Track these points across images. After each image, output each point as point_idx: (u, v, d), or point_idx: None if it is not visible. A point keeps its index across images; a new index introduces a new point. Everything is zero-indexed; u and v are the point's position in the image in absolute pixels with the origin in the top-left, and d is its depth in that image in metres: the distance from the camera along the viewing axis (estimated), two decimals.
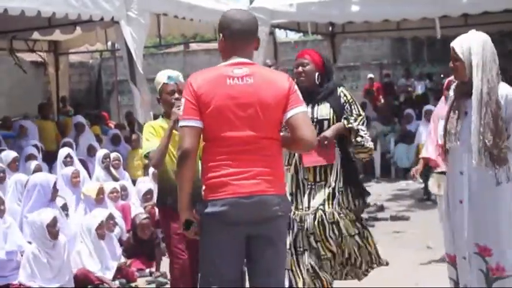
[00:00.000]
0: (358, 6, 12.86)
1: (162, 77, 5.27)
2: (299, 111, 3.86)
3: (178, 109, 4.75)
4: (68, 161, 9.51)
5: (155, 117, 12.07)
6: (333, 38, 16.88)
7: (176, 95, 5.10)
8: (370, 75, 20.69)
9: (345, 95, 5.31)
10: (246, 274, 4.02)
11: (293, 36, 24.03)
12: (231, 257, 3.85)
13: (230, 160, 3.79)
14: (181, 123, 3.84)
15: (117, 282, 7.04)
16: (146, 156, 5.08)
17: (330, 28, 16.49)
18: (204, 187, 3.88)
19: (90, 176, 10.00)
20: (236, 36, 3.91)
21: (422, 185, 11.29)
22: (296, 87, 3.94)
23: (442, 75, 18.65)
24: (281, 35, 19.05)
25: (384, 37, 20.58)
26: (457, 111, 4.67)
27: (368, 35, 18.56)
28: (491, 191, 4.55)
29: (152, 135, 5.10)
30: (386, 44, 22.48)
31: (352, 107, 5.27)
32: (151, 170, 9.38)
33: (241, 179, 3.77)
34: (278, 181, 3.90)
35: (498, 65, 4.54)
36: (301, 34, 20.26)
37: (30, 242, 6.78)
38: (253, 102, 3.78)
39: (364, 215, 9.31)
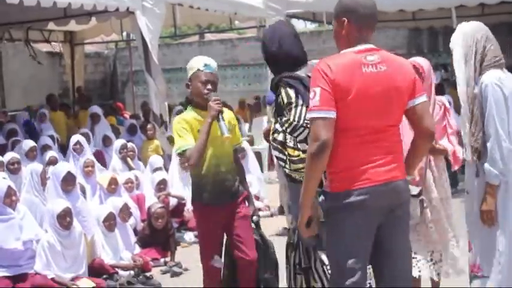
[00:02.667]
0: None
1: (197, 62, 4.96)
2: (424, 99, 3.81)
3: (218, 104, 4.67)
4: (77, 148, 9.56)
5: (170, 108, 12.18)
6: None
7: (209, 86, 4.81)
8: None
9: None
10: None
11: (309, 26, 23.96)
12: (366, 247, 3.73)
13: (365, 149, 3.66)
14: (317, 114, 3.55)
15: (132, 272, 7.06)
16: (181, 153, 4.81)
17: None
18: (332, 178, 3.71)
19: (106, 166, 10.04)
20: (364, 22, 3.74)
21: None
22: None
23: None
24: (299, 25, 18.99)
25: (400, 27, 20.47)
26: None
27: (383, 25, 18.43)
28: (472, 184, 4.47)
29: (185, 130, 4.75)
30: (402, 34, 22.35)
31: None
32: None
33: (376, 166, 3.66)
34: (403, 166, 3.82)
35: (485, 54, 4.37)
36: (317, 24, 20.14)
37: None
38: (389, 91, 3.65)
39: None
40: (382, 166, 3.68)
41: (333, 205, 3.70)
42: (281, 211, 9.59)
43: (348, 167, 3.66)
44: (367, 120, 3.64)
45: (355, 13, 3.73)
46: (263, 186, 10.46)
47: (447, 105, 5.30)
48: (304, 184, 3.67)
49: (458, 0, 12.21)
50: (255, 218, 5.07)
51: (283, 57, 4.42)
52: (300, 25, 18.73)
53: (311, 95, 3.60)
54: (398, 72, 3.72)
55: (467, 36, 4.42)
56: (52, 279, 6.49)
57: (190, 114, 4.89)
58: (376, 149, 3.67)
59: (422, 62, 5.15)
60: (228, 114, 4.94)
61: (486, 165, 4.26)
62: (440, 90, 16.50)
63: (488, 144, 4.24)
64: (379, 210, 3.69)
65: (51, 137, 10.54)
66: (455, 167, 5.33)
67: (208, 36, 25.53)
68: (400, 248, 3.83)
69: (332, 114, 3.56)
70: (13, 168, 8.18)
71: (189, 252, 7.84)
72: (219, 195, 4.84)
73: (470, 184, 4.48)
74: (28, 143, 9.38)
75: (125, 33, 16.73)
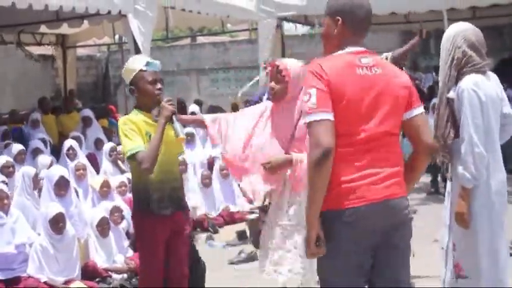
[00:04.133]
0: None
1: (138, 62, 4.58)
2: (422, 111, 3.60)
3: (172, 104, 4.40)
4: (70, 154, 9.55)
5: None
6: None
7: (159, 85, 4.50)
8: None
9: None
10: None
11: (300, 29, 23.96)
12: (359, 271, 3.47)
13: (359, 161, 3.40)
14: (315, 117, 3.30)
15: (125, 275, 7.06)
16: (130, 157, 4.37)
17: None
18: (327, 193, 3.37)
19: (98, 169, 10.04)
20: (359, 25, 3.56)
21: (430, 178, 11.29)
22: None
23: None
24: (290, 28, 19.02)
25: (392, 30, 20.53)
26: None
27: (375, 28, 18.51)
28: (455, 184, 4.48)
29: (134, 132, 4.39)
30: (394, 36, 22.41)
31: None
32: None
33: (373, 182, 3.40)
34: (403, 181, 3.53)
35: (465, 60, 4.36)
36: (309, 27, 20.18)
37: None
38: (386, 95, 3.45)
39: None
40: (378, 182, 3.41)
41: (324, 225, 3.41)
42: None
43: (339, 182, 3.39)
44: (361, 126, 3.40)
45: (351, 14, 3.53)
46: None
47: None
48: (309, 196, 3.36)
49: (449, 2, 12.26)
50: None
51: None
52: (291, 28, 18.66)
53: (305, 97, 3.36)
54: (394, 76, 3.54)
55: (448, 40, 4.46)
56: (45, 282, 6.50)
57: (136, 116, 4.55)
58: (373, 161, 3.42)
59: (292, 64, 4.86)
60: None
61: (460, 168, 4.28)
62: (431, 93, 16.59)
63: (462, 148, 4.25)
64: (374, 231, 3.42)
65: (43, 140, 10.52)
66: None
67: (201, 39, 25.53)
68: (394, 272, 3.52)
69: (331, 116, 3.32)
70: (8, 172, 8.16)
71: None
72: (168, 204, 4.57)
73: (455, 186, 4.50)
74: (17, 147, 9.35)
75: (117, 36, 16.72)
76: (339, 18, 3.54)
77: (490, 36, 17.50)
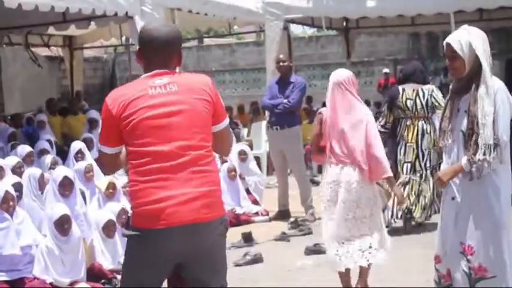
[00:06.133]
0: (373, 1, 12.87)
1: None
2: (226, 124, 3.77)
3: None
4: (78, 157, 9.56)
5: None
6: (347, 33, 16.87)
7: None
8: (386, 70, 20.64)
9: None
10: None
11: (307, 31, 23.98)
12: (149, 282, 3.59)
13: (159, 181, 3.44)
14: (100, 148, 3.73)
15: None
16: None
17: (344, 23, 16.48)
18: (131, 211, 3.58)
19: None
20: (154, 54, 3.68)
21: None
22: (217, 91, 3.73)
23: None
24: (297, 30, 19.02)
25: (399, 32, 20.52)
26: (448, 110, 4.67)
27: (382, 30, 18.52)
28: (477, 186, 4.52)
29: None
30: (401, 39, 22.40)
31: None
32: None
33: (174, 205, 3.42)
34: (213, 202, 3.53)
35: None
36: (315, 29, 20.20)
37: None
38: (180, 109, 3.52)
39: None
40: (181, 204, 3.42)
41: (128, 236, 3.61)
42: (279, 216, 9.60)
43: (141, 203, 3.48)
44: (154, 144, 3.47)
45: (144, 45, 3.70)
46: (262, 191, 10.44)
47: None
48: None
49: (457, 5, 12.23)
50: None
51: None
52: (297, 30, 18.70)
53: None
54: (192, 91, 3.59)
55: (485, 42, 4.51)
56: (50, 283, 6.48)
57: None
58: (174, 181, 3.44)
59: None
60: None
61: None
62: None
63: (489, 141, 4.38)
64: (174, 254, 3.50)
65: (49, 141, 10.52)
66: None
67: (207, 41, 25.57)
68: (204, 283, 3.61)
69: (107, 150, 3.66)
70: (19, 172, 8.15)
71: None
72: None
73: (470, 190, 4.53)
74: (25, 148, 9.35)
75: (123, 38, 16.75)
76: (139, 48, 3.75)
77: (498, 38, 17.50)
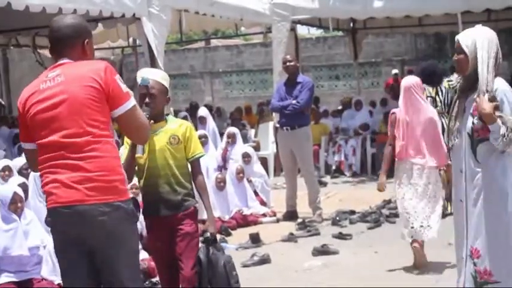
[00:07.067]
0: (380, 1, 12.85)
1: (138, 77, 4.94)
2: (127, 108, 3.74)
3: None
4: None
5: (175, 114, 12.20)
6: (354, 34, 16.85)
7: (147, 100, 4.77)
8: (395, 71, 20.56)
9: None
10: None
11: (314, 32, 23.97)
12: (71, 268, 3.77)
13: (50, 168, 3.66)
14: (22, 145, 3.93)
15: None
16: None
17: (351, 24, 16.46)
18: None
19: None
20: (54, 44, 3.85)
21: None
22: (115, 75, 3.75)
23: None
24: (303, 31, 19.01)
25: (406, 33, 20.47)
26: (456, 109, 4.65)
27: (390, 31, 18.49)
28: (484, 189, 4.50)
29: (127, 143, 4.82)
30: (408, 39, 22.34)
31: None
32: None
33: (60, 186, 3.61)
34: (104, 186, 3.63)
35: (499, 60, 4.51)
36: (322, 30, 20.16)
37: None
38: (62, 101, 3.64)
39: (385, 211, 9.33)
40: (65, 186, 3.59)
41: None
42: (287, 217, 9.59)
43: (46, 183, 3.67)
44: (45, 136, 3.66)
45: (49, 37, 3.87)
46: (269, 192, 10.44)
47: None
48: None
49: (464, 5, 12.21)
50: (206, 234, 4.97)
51: None
52: (303, 31, 18.62)
53: None
54: (75, 81, 3.66)
55: (492, 42, 4.49)
56: (58, 285, 6.49)
57: None
58: (62, 166, 3.61)
59: None
60: (178, 127, 4.90)
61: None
62: None
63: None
64: (68, 235, 3.67)
65: None
66: None
67: (214, 42, 25.58)
68: (107, 275, 3.74)
69: (28, 146, 3.84)
70: (26, 173, 8.16)
71: None
72: (154, 206, 4.84)
73: (479, 191, 4.51)
74: (21, 160, 9.16)
75: (131, 39, 16.76)
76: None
77: (506, 39, 17.45)
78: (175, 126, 4.90)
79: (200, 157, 5.01)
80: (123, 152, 4.71)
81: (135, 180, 5.28)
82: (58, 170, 3.61)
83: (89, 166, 3.60)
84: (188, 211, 4.88)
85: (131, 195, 3.85)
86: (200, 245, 4.94)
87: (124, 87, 3.74)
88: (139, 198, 5.08)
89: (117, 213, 3.63)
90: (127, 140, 4.77)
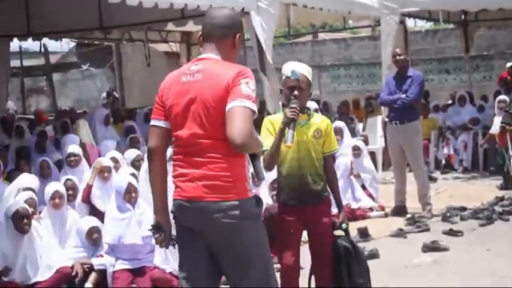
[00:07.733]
0: None
1: (286, 69, 5.07)
2: (234, 105, 3.62)
3: (293, 112, 4.82)
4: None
5: (284, 107, 12.26)
6: (466, 27, 16.45)
7: (296, 92, 4.93)
8: (510, 64, 19.92)
9: None
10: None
11: (423, 24, 23.55)
12: (189, 259, 3.88)
13: (181, 162, 3.80)
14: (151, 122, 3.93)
15: None
16: (263, 153, 4.85)
17: (463, 16, 16.09)
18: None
19: None
20: (208, 30, 3.91)
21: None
22: (245, 79, 3.68)
23: None
24: (410, 23, 18.70)
25: (501, 26, 19.85)
26: None
27: (503, 23, 17.96)
28: None
29: (268, 131, 5.01)
30: (503, 33, 21.65)
31: None
32: None
33: (185, 181, 3.76)
34: (224, 186, 3.72)
35: None
36: (432, 23, 19.78)
37: None
38: (196, 99, 3.72)
39: (498, 208, 9.08)
40: (188, 181, 3.74)
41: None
42: (395, 212, 9.48)
43: (174, 176, 3.84)
44: (178, 131, 3.78)
45: (202, 29, 3.95)
46: (377, 187, 10.33)
47: None
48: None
49: None
50: (343, 225, 5.15)
51: None
52: (410, 23, 18.27)
53: None
54: (210, 82, 3.71)
55: None
56: (170, 273, 6.64)
57: (279, 116, 5.10)
58: (187, 162, 3.75)
59: None
60: (320, 122, 5.10)
61: None
62: None
63: None
64: (189, 227, 3.81)
65: None
66: None
67: (322, 36, 25.54)
68: (226, 270, 3.85)
69: (155, 122, 3.87)
70: (138, 165, 8.35)
71: None
72: (296, 196, 5.03)
73: None
74: (134, 152, 9.00)
75: None
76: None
77: None
78: (318, 120, 5.13)
79: (335, 153, 5.36)
80: (264, 139, 4.75)
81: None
82: (185, 165, 3.76)
83: (212, 166, 3.70)
84: (326, 202, 5.12)
85: (252, 194, 3.86)
86: (339, 232, 5.16)
87: (245, 89, 3.66)
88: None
89: (234, 212, 3.71)
90: (267, 127, 4.98)
